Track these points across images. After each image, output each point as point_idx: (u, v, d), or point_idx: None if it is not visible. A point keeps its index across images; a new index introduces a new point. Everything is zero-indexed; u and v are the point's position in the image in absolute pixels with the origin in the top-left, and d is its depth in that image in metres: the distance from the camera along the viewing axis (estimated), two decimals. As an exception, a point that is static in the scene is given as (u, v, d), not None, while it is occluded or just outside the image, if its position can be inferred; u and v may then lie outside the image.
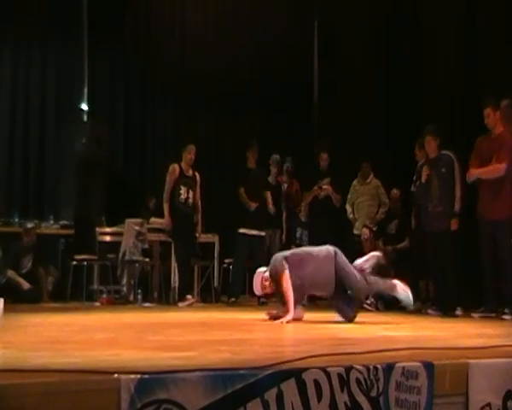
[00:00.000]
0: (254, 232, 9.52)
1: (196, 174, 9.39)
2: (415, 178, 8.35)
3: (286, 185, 10.77)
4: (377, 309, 8.71)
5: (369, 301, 8.28)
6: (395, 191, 9.97)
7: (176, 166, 9.27)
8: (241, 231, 9.54)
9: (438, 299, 8.01)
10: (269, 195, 9.88)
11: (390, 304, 8.74)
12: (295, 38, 12.65)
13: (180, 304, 8.90)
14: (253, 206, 9.57)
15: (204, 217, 9.56)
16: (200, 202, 9.44)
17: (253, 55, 12.45)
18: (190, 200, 9.28)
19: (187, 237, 9.27)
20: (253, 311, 8.01)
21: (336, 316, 6.32)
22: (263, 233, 9.69)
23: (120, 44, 12.13)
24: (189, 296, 9.04)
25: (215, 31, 12.67)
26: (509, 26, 9.25)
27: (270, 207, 9.81)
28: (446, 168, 7.73)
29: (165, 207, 9.20)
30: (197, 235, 9.44)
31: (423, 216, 8.13)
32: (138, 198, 11.23)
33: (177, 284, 9.50)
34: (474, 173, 7.40)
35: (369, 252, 8.60)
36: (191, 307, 8.88)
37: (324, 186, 9.88)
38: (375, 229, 9.81)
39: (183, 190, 9.22)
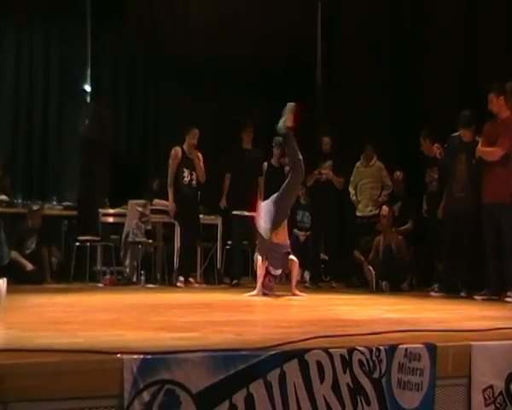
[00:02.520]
0: (246, 213, 9.50)
1: (199, 154, 9.38)
2: (446, 151, 8.30)
3: (288, 167, 10.72)
4: (381, 290, 8.75)
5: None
6: (398, 174, 9.96)
7: (178, 149, 9.27)
8: (235, 212, 9.57)
9: (443, 280, 8.04)
10: (261, 182, 9.81)
11: (395, 286, 8.82)
12: (298, 20, 12.54)
13: (179, 284, 8.96)
14: (223, 204, 9.75)
15: (204, 194, 9.62)
16: (204, 177, 9.42)
17: (256, 37, 12.36)
18: (194, 181, 9.29)
19: (191, 219, 9.31)
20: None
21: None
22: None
23: (123, 25, 12.08)
24: (181, 279, 9.07)
25: (217, 12, 12.60)
26: (509, 12, 9.20)
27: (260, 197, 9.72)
28: (476, 159, 7.66)
29: (170, 191, 9.26)
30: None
31: (447, 195, 8.13)
32: (141, 179, 11.24)
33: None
34: (478, 150, 7.42)
35: (384, 229, 8.80)
36: (193, 288, 8.92)
37: (324, 171, 9.85)
38: (377, 211, 9.81)
39: (186, 173, 9.23)
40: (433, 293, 7.94)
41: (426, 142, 8.93)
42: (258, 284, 7.24)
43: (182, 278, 9.09)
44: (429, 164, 8.95)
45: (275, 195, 7.32)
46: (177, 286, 8.95)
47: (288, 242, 7.42)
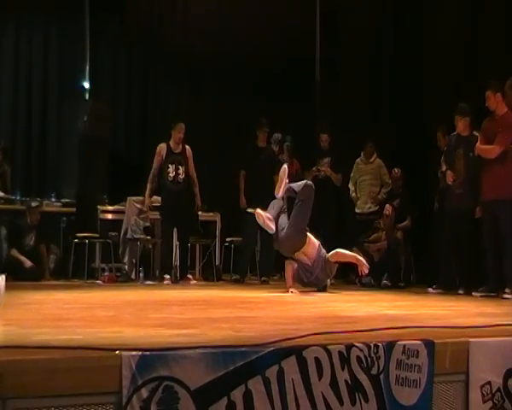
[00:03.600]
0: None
1: (187, 148, 9.35)
2: (446, 149, 8.30)
3: (286, 164, 10.73)
4: (380, 287, 8.79)
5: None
6: (396, 170, 9.95)
7: (163, 145, 9.28)
8: (249, 210, 9.54)
9: (440, 277, 8.07)
10: (277, 179, 9.80)
11: (395, 282, 8.84)
12: (297, 16, 12.53)
13: (166, 282, 8.94)
14: (243, 204, 9.62)
15: (202, 192, 9.54)
16: (195, 175, 9.40)
17: (255, 34, 12.34)
18: (181, 176, 9.25)
19: (176, 216, 9.21)
20: (254, 289, 8.04)
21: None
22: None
23: (122, 22, 12.08)
24: (167, 276, 9.05)
25: (216, 11, 12.58)
26: (510, 11, 9.20)
27: (278, 191, 9.70)
28: (473, 153, 7.67)
29: (148, 187, 9.29)
30: (197, 208, 9.44)
31: (446, 193, 8.13)
32: (140, 176, 11.21)
33: (178, 263, 9.52)
34: (477, 148, 7.42)
35: (387, 228, 8.84)
36: (193, 285, 8.93)
37: (322, 168, 9.85)
38: (376, 208, 9.82)
39: (170, 169, 9.21)
40: (430, 289, 7.95)
41: (444, 137, 8.83)
42: (288, 283, 7.40)
43: (167, 276, 9.08)
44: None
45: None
46: (164, 284, 8.88)
47: (312, 259, 7.34)
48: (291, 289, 7.27)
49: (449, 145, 8.15)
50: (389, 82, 11.39)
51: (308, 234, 7.43)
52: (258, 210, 7.44)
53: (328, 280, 7.56)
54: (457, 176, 7.85)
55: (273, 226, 7.33)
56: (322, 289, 7.43)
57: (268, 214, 7.33)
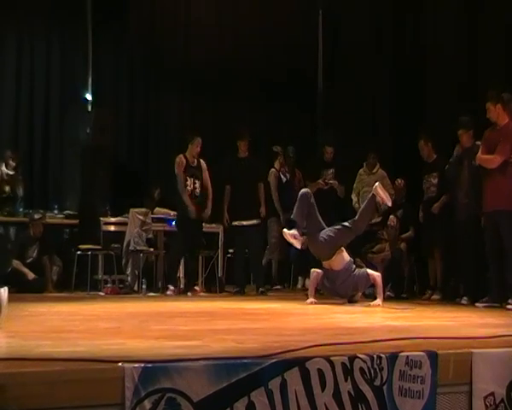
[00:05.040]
0: (245, 223, 9.49)
1: (202, 162, 9.33)
2: (450, 161, 8.34)
3: (288, 176, 10.76)
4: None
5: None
6: (399, 181, 9.93)
7: (182, 157, 9.19)
8: (234, 223, 9.56)
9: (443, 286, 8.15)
10: (261, 189, 9.77)
11: (398, 293, 8.84)
12: (299, 26, 12.58)
13: (169, 293, 8.95)
14: (227, 220, 9.62)
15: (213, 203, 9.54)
16: (210, 187, 9.36)
17: (257, 44, 12.40)
18: (197, 190, 9.23)
19: (191, 230, 9.20)
20: (257, 301, 8.03)
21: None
22: (255, 221, 9.61)
23: (124, 33, 12.11)
24: (171, 287, 9.05)
25: (218, 18, 12.64)
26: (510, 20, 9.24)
27: (262, 209, 9.65)
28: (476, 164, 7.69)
29: (186, 198, 9.06)
30: (204, 217, 9.35)
31: (454, 204, 8.17)
32: (143, 188, 11.23)
33: (181, 274, 9.52)
34: (478, 158, 7.43)
35: (391, 239, 8.87)
36: (198, 296, 8.93)
37: (331, 181, 9.89)
38: (379, 220, 9.81)
39: (189, 182, 9.16)
40: (434, 296, 8.02)
41: (427, 146, 8.91)
42: (310, 292, 7.51)
43: (172, 287, 9.08)
44: (428, 170, 8.95)
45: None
46: (167, 295, 8.90)
47: (338, 269, 7.35)
48: (311, 300, 7.30)
49: (453, 158, 8.20)
50: (392, 92, 11.40)
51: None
52: (285, 230, 7.48)
53: (357, 295, 7.51)
54: (463, 187, 7.89)
55: (298, 244, 7.39)
56: (352, 301, 7.42)
57: (294, 232, 7.33)
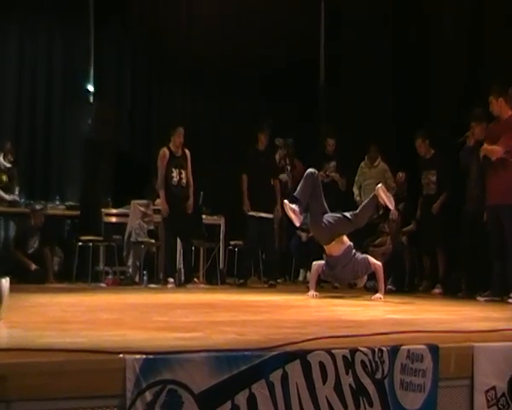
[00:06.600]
0: (263, 215, 9.50)
1: (186, 151, 9.36)
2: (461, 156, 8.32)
3: (289, 168, 10.75)
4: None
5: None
6: (401, 175, 9.92)
7: (165, 149, 9.25)
8: (251, 213, 9.53)
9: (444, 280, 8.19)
10: (278, 186, 9.81)
11: (399, 287, 8.84)
12: (301, 19, 12.52)
13: (170, 286, 8.94)
14: (248, 208, 9.53)
15: (206, 194, 9.59)
16: (191, 178, 9.39)
17: (259, 36, 12.35)
18: (183, 180, 9.26)
19: (178, 220, 9.21)
20: (259, 293, 8.04)
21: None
22: (271, 216, 9.64)
23: (126, 25, 12.10)
24: (171, 280, 9.05)
25: (220, 11, 12.59)
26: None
27: (278, 207, 9.54)
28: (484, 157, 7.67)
29: (161, 193, 9.22)
30: (188, 208, 9.36)
31: (465, 196, 8.16)
32: (144, 179, 11.23)
33: (182, 266, 9.52)
34: (483, 149, 7.42)
35: (392, 233, 8.86)
36: (199, 288, 8.93)
37: (331, 174, 9.87)
38: (381, 213, 9.80)
39: (174, 173, 9.21)
40: (435, 290, 8.02)
41: (425, 143, 8.92)
42: (311, 285, 7.52)
43: (171, 279, 9.08)
44: (426, 166, 8.95)
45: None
46: (168, 288, 8.88)
47: (341, 253, 7.31)
48: (312, 292, 7.30)
49: (464, 152, 8.18)
50: (394, 85, 11.37)
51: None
52: (286, 201, 7.31)
53: (359, 280, 7.50)
54: (472, 178, 7.89)
55: (297, 221, 7.23)
56: (353, 285, 7.53)
57: (295, 207, 7.16)
